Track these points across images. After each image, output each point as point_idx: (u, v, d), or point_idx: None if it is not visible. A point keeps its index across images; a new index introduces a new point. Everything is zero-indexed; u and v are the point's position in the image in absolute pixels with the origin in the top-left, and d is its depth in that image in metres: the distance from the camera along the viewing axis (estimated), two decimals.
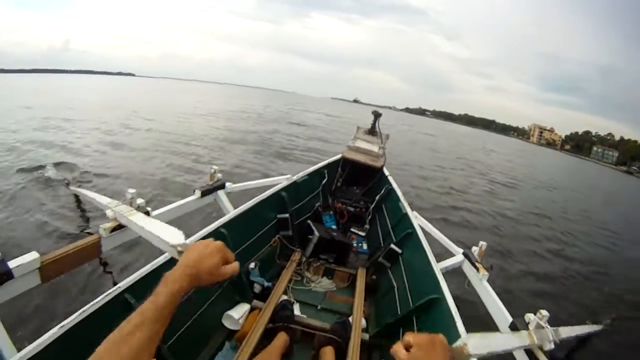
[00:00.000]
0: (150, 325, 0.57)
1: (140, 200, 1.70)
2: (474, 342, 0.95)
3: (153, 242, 1.26)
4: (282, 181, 2.93)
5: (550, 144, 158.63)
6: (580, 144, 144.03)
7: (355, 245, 3.00)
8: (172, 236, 1.12)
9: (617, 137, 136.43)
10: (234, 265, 0.74)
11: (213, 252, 0.71)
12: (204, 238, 1.82)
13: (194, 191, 2.55)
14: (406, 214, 2.88)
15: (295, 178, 3.07)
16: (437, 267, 2.03)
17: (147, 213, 1.79)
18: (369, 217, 3.56)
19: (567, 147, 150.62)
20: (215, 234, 1.96)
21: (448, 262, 2.55)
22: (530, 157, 40.23)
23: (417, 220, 2.76)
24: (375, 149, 4.25)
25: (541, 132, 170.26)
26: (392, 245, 2.66)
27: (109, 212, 1.55)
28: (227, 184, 2.79)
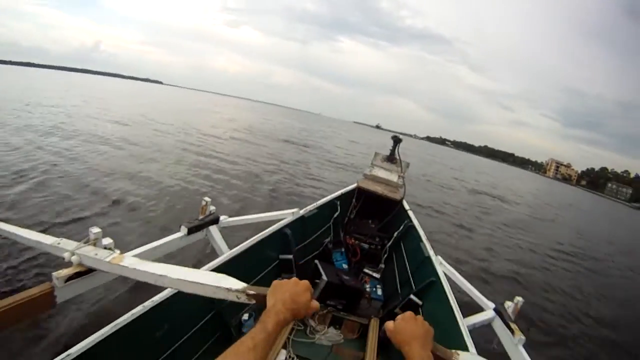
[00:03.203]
0: (261, 348, 0.63)
1: (107, 241, 1.38)
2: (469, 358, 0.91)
3: (185, 290, 1.01)
4: (286, 216, 2.60)
5: (567, 179, 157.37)
6: (595, 180, 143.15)
7: (368, 289, 2.64)
8: (224, 280, 0.98)
9: (632, 174, 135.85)
10: (317, 304, 0.84)
11: (304, 289, 0.82)
12: None
13: (180, 227, 2.16)
14: (429, 258, 2.53)
15: (302, 212, 2.74)
16: (464, 324, 1.77)
17: None
18: (385, 256, 3.17)
19: (583, 182, 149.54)
20: None
21: (476, 318, 2.22)
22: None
23: (442, 267, 2.42)
24: (394, 178, 3.91)
25: (558, 167, 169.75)
26: (412, 296, 2.31)
27: (70, 257, 1.26)
28: (222, 218, 2.41)
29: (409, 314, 0.88)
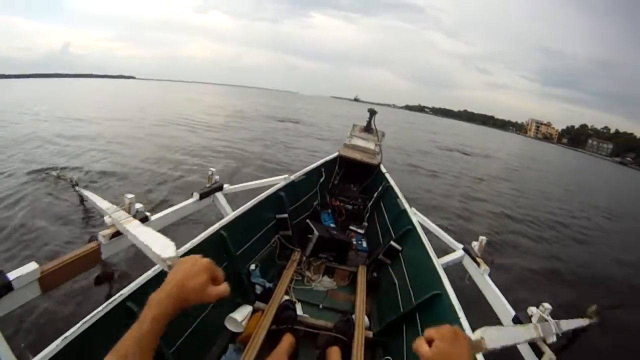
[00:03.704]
0: (135, 355, 0.53)
1: (138, 205, 1.66)
2: (489, 335, 0.88)
3: (146, 254, 1.15)
4: (279, 181, 2.90)
5: (548, 138, 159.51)
6: (576, 138, 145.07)
7: (354, 243, 2.97)
8: (164, 248, 1.01)
9: (613, 130, 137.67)
10: (223, 287, 0.65)
11: (200, 270, 0.64)
12: (204, 241, 1.81)
13: (192, 194, 2.52)
14: (405, 211, 2.87)
15: (293, 178, 3.05)
16: (438, 263, 2.02)
17: (146, 218, 1.76)
18: (367, 215, 3.54)
19: (564, 140, 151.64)
20: (216, 237, 1.94)
21: (449, 258, 2.54)
22: None
23: (416, 217, 2.75)
24: (371, 146, 4.27)
25: (538, 127, 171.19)
26: (392, 242, 2.64)
27: (107, 219, 1.52)
28: (225, 186, 2.78)
29: (446, 329, 0.66)
